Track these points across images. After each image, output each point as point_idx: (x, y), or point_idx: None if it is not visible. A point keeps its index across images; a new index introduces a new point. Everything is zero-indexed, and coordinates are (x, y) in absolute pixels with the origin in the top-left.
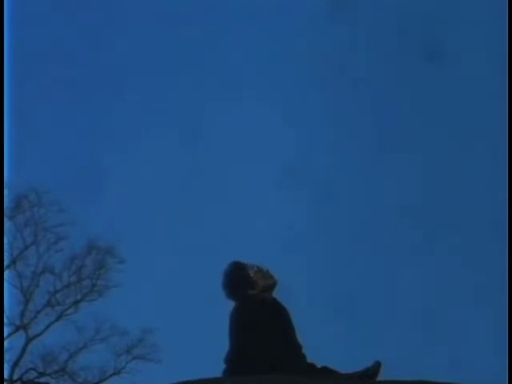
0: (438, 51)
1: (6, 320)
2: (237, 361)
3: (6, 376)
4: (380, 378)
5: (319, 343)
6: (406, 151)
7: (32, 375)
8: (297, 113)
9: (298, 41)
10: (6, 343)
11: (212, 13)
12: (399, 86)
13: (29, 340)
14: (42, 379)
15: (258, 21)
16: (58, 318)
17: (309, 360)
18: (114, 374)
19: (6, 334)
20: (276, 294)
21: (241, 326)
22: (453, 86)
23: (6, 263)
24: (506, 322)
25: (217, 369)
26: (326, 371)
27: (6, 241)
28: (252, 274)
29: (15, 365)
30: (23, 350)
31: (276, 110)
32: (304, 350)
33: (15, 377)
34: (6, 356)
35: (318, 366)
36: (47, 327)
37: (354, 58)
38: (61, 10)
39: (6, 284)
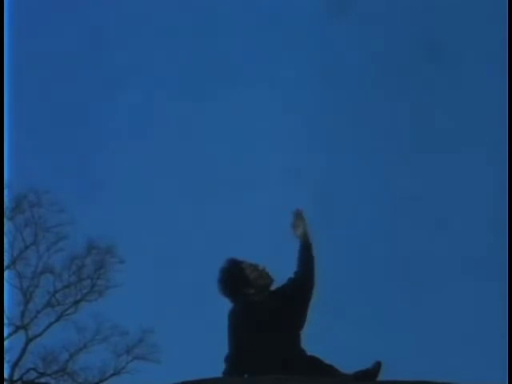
0: (438, 52)
1: (6, 320)
2: (237, 361)
3: (6, 376)
4: (380, 378)
5: (319, 343)
6: (406, 151)
7: (32, 375)
8: (298, 112)
9: (299, 40)
10: (6, 343)
11: (213, 10)
12: (399, 86)
13: (29, 340)
14: (43, 379)
15: (260, 18)
16: (58, 318)
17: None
18: (114, 374)
19: (6, 334)
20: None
21: (240, 326)
22: (453, 86)
23: (6, 263)
24: (506, 322)
25: (217, 369)
26: (328, 369)
27: (6, 241)
28: (249, 273)
29: (15, 365)
30: (23, 351)
31: (277, 108)
32: (304, 345)
33: (15, 377)
34: (6, 356)
35: (322, 359)
36: (47, 327)
37: (354, 57)
38: (60, 10)
39: (6, 284)
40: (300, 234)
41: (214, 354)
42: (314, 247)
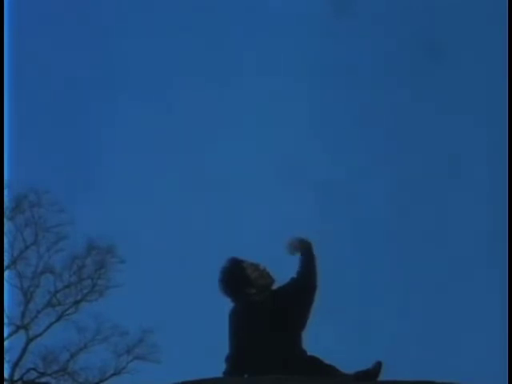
0: (439, 49)
1: (6, 320)
2: (237, 361)
3: (6, 376)
4: (380, 378)
5: (319, 343)
6: (406, 150)
7: (32, 375)
8: (298, 111)
9: (299, 40)
10: (6, 343)
11: (213, 10)
12: (400, 85)
13: (29, 340)
14: (43, 379)
15: (261, 18)
16: (59, 318)
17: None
18: (115, 374)
19: (6, 334)
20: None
21: (240, 326)
22: (453, 85)
23: (6, 263)
24: (506, 322)
25: (217, 369)
26: (328, 369)
27: (6, 241)
28: (250, 272)
29: (16, 365)
30: (24, 350)
31: (277, 108)
32: (305, 346)
33: (16, 377)
34: (7, 356)
35: (323, 360)
36: (48, 327)
37: (353, 57)
38: (60, 9)
39: (6, 284)
40: (298, 249)
41: (214, 354)
42: (315, 247)
